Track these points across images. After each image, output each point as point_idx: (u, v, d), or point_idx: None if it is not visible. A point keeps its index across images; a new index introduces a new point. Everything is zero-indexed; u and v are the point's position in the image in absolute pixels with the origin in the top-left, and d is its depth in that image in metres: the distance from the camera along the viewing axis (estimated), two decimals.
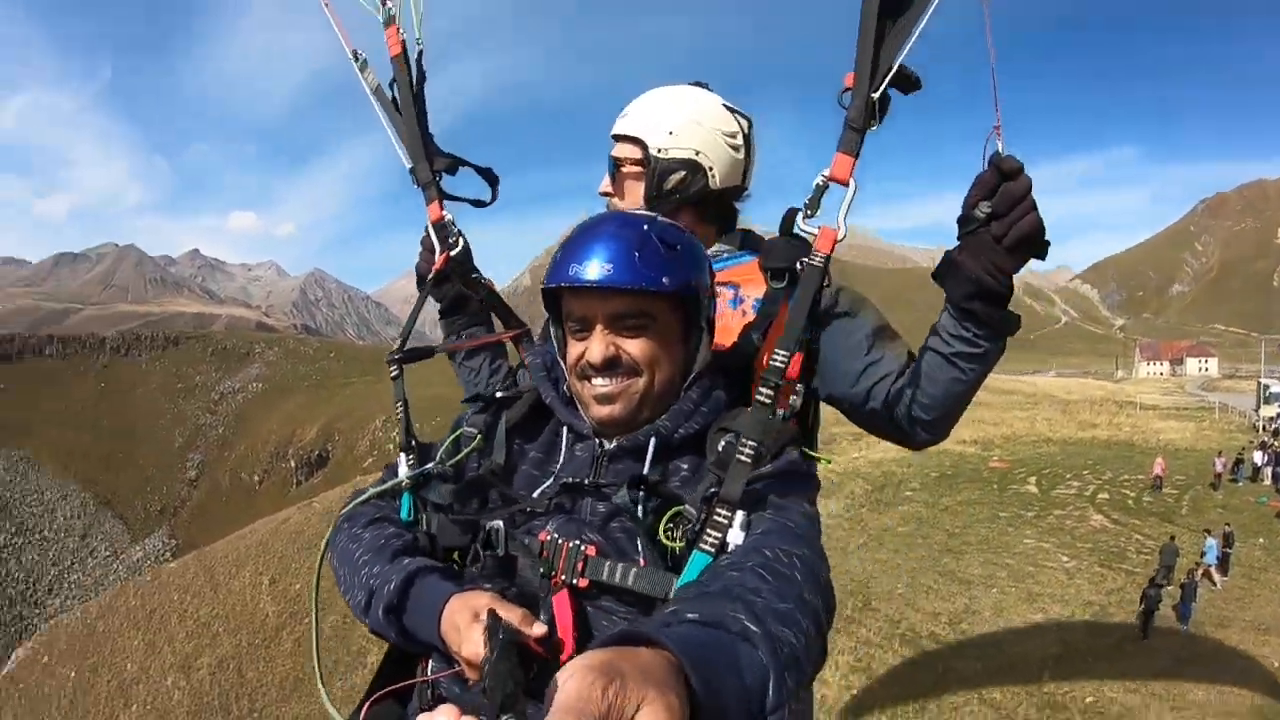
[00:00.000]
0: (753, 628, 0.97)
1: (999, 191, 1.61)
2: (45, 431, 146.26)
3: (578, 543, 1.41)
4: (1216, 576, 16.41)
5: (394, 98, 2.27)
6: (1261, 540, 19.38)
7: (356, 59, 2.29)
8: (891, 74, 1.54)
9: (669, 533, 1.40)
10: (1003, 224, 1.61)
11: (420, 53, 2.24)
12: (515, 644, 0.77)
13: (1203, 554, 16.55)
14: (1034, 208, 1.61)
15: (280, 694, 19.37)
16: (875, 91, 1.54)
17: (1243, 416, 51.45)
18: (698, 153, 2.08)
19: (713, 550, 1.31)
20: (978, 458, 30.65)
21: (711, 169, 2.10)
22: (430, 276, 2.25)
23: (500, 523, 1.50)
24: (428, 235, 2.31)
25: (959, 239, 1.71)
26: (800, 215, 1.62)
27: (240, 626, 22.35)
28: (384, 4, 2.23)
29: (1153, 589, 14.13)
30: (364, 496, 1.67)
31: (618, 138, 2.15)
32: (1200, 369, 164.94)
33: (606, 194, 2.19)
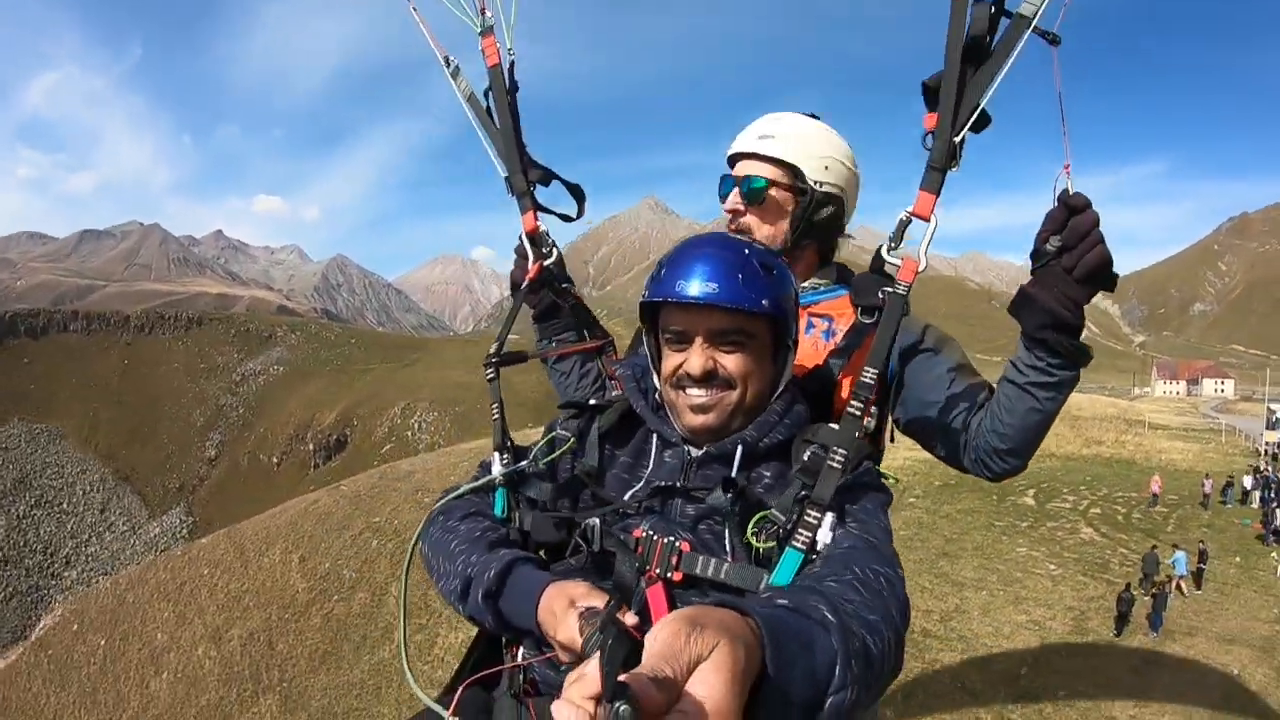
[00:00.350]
0: (830, 617, 1.05)
1: (1068, 226, 1.69)
2: (68, 406, 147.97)
3: (672, 539, 1.49)
4: (1186, 588, 17.33)
5: (488, 107, 2.31)
6: (1238, 559, 20.15)
7: (449, 65, 2.33)
8: (971, 121, 1.64)
9: (756, 534, 1.46)
10: (1072, 256, 1.69)
11: (512, 63, 2.27)
12: (628, 633, 0.81)
13: (1172, 565, 17.46)
14: (1101, 240, 1.69)
15: (310, 665, 19.57)
16: (958, 135, 1.64)
17: (1248, 440, 51.54)
18: (842, 190, 2.20)
19: (804, 548, 1.39)
20: None
21: (847, 208, 2.25)
22: (525, 284, 2.32)
23: (597, 520, 1.58)
24: (522, 244, 2.35)
25: (1032, 273, 1.79)
26: (884, 247, 1.77)
27: (270, 601, 22.58)
28: (482, 14, 2.26)
29: (1127, 594, 15.18)
30: (458, 492, 1.76)
31: (763, 158, 2.16)
32: (1216, 390, 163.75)
33: (736, 210, 2.19)
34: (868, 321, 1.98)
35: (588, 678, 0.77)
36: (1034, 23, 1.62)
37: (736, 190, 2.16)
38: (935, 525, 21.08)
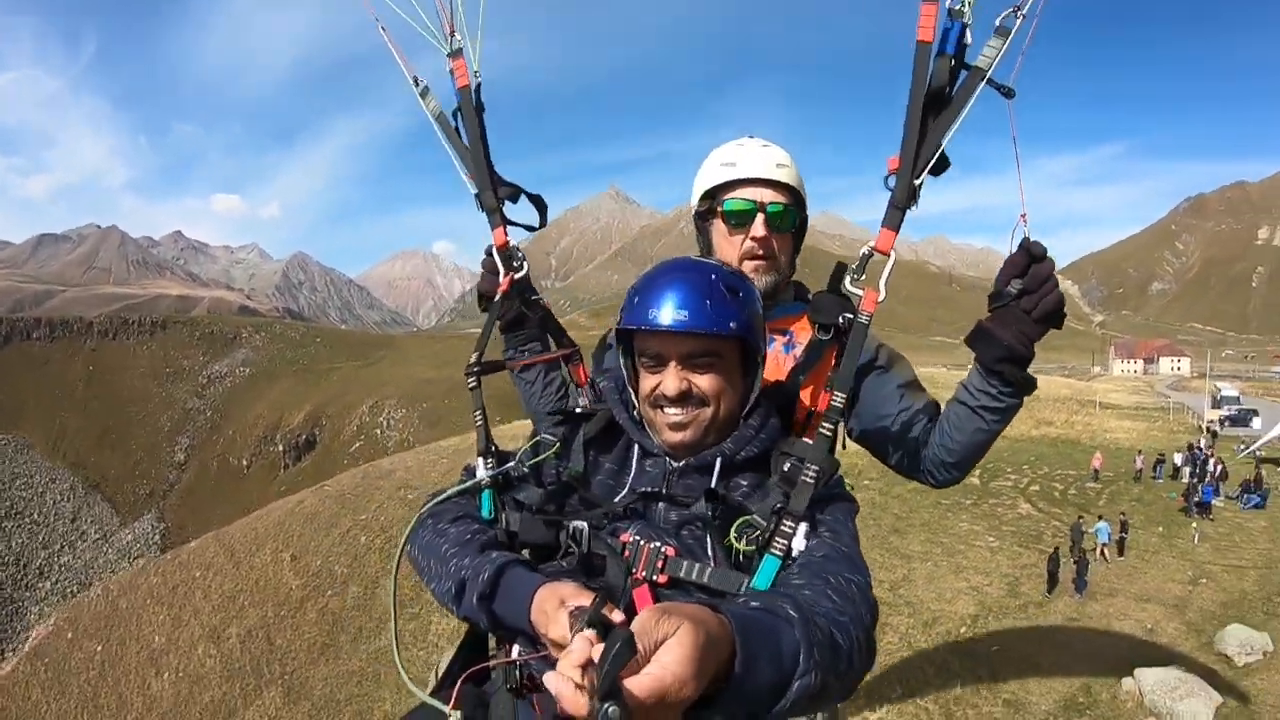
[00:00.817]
0: (794, 614, 1.17)
1: (1030, 272, 1.82)
2: (34, 415, 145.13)
3: (658, 544, 1.57)
4: (1110, 555, 18.89)
5: (456, 126, 2.36)
6: (1160, 529, 21.67)
7: (418, 85, 2.36)
8: (930, 165, 1.73)
9: (738, 537, 1.54)
10: (1032, 299, 1.83)
11: (479, 84, 2.30)
12: (629, 635, 0.86)
13: (1095, 534, 19.02)
14: (1056, 285, 1.83)
15: (309, 658, 20.22)
16: (918, 179, 1.73)
17: (1194, 418, 52.05)
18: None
19: (781, 554, 1.48)
20: None
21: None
22: (497, 297, 2.33)
23: (585, 524, 1.63)
24: (491, 258, 2.38)
25: (990, 310, 1.92)
26: (848, 277, 1.83)
27: (265, 599, 23.12)
28: (451, 36, 2.28)
29: (1055, 557, 17.00)
30: (444, 496, 1.79)
31: (779, 185, 2.23)
32: (1173, 368, 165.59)
33: (762, 238, 2.21)
34: (824, 338, 2.07)
35: (575, 651, 0.94)
36: (988, 75, 1.73)
37: (763, 218, 2.21)
38: (887, 505, 22.17)
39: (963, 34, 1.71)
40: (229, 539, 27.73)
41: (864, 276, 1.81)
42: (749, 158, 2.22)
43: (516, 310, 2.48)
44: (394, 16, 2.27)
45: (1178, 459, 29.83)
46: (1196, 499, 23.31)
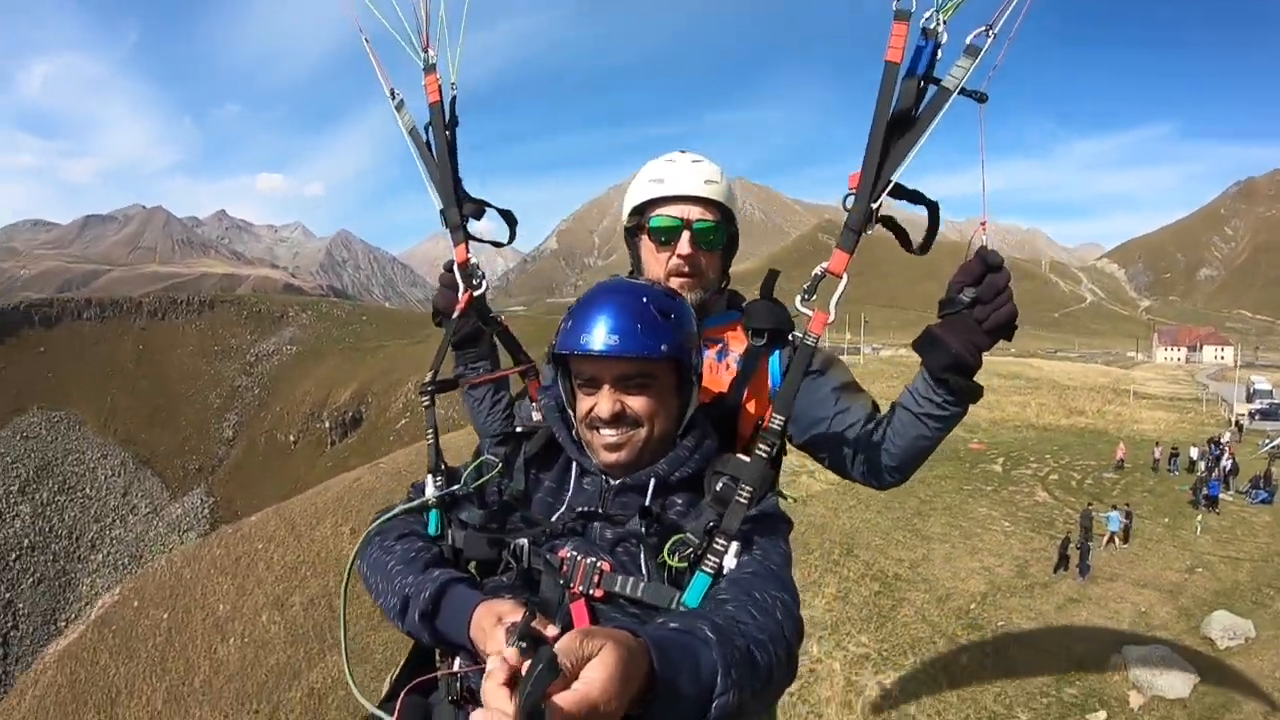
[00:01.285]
0: (711, 635, 1.20)
1: (985, 281, 1.79)
2: (85, 393, 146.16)
3: (594, 560, 1.62)
4: (1118, 542, 20.04)
5: (428, 141, 2.33)
6: (1167, 520, 22.61)
7: (394, 98, 2.33)
8: (889, 188, 1.71)
9: (672, 554, 1.59)
10: (985, 310, 1.80)
11: (454, 98, 2.27)
12: (552, 655, 0.88)
13: (1105, 522, 20.11)
14: (1011, 297, 1.81)
15: (369, 625, 19.26)
16: (875, 202, 1.71)
17: (1228, 410, 51.64)
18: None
19: (712, 572, 1.51)
20: (959, 439, 32.18)
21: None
22: (455, 315, 2.31)
23: (526, 541, 1.70)
24: (450, 274, 2.37)
25: (940, 316, 1.89)
26: (799, 298, 1.79)
27: (327, 570, 23.32)
28: (426, 50, 2.26)
29: (1066, 541, 18.35)
30: (392, 514, 1.84)
31: (708, 202, 2.22)
32: (1216, 357, 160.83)
33: (689, 256, 2.21)
34: (760, 344, 2.13)
35: (496, 670, 0.98)
36: (955, 93, 1.67)
37: (689, 235, 2.19)
38: (912, 489, 22.83)
39: (934, 53, 1.68)
40: (289, 513, 28.16)
41: (814, 298, 1.77)
42: (677, 174, 2.24)
43: (472, 327, 2.47)
44: (376, 30, 2.28)
45: (1194, 453, 30.37)
46: (1204, 493, 24.13)
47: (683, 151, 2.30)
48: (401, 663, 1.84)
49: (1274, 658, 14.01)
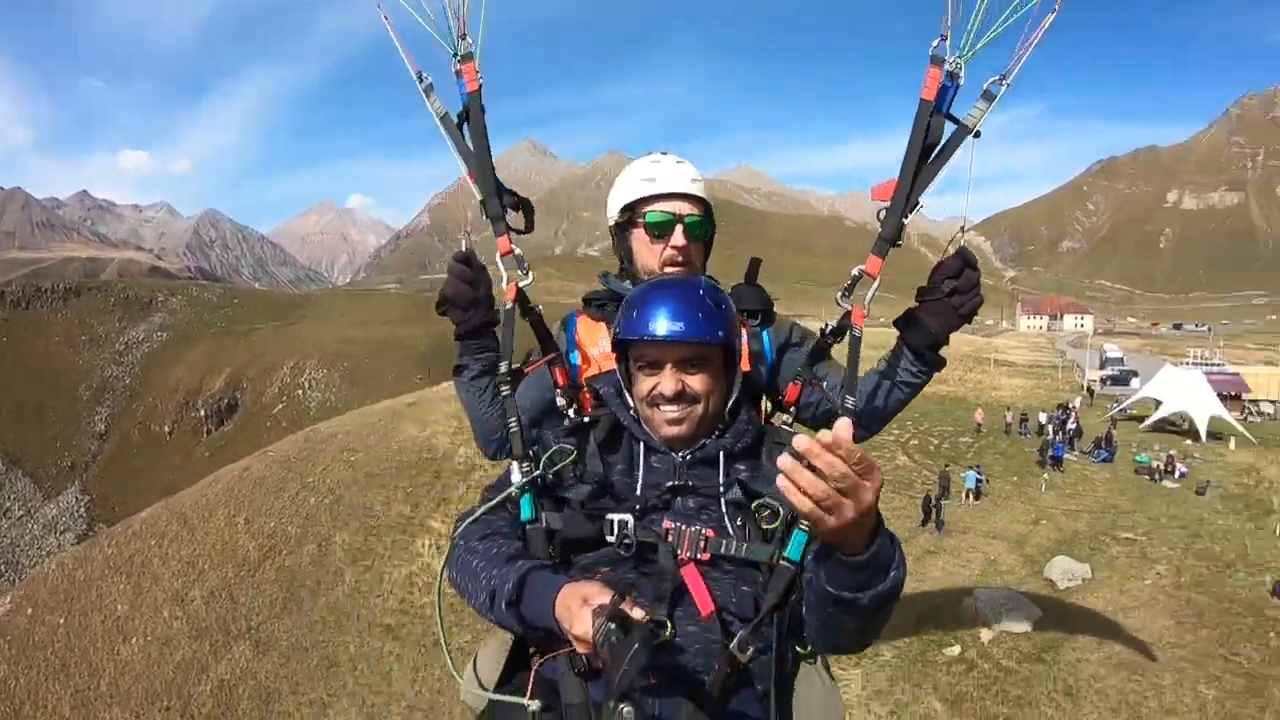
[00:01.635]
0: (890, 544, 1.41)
1: (963, 275, 2.08)
2: None
3: (698, 527, 1.73)
4: (971, 498, 22.18)
5: (460, 130, 2.30)
6: (1015, 478, 24.89)
7: (421, 81, 2.28)
8: (918, 207, 2.01)
9: (759, 516, 1.73)
10: (961, 299, 2.09)
11: (480, 87, 2.26)
12: (650, 639, 0.85)
13: (963, 480, 22.26)
14: (980, 290, 2.13)
15: (272, 612, 21.01)
16: (907, 217, 2.00)
17: (1083, 376, 54.63)
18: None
19: (807, 529, 1.56)
20: None
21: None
22: (508, 305, 2.29)
23: (630, 516, 1.77)
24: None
25: (920, 301, 2.15)
26: (838, 294, 2.07)
27: (224, 561, 23.47)
28: (463, 39, 2.24)
29: (929, 499, 20.32)
30: (474, 516, 1.89)
31: (690, 198, 2.36)
32: (1077, 325, 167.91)
33: (681, 248, 2.33)
34: (756, 324, 2.36)
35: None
36: (974, 131, 1.97)
37: (682, 228, 2.32)
38: None
39: (954, 94, 1.94)
40: (180, 507, 27.63)
41: (852, 295, 2.03)
42: (667, 173, 2.35)
43: (478, 319, 2.37)
44: (400, 15, 2.23)
45: (1042, 418, 32.85)
46: (1050, 454, 26.51)
47: (664, 153, 2.44)
48: (508, 653, 1.90)
49: (1107, 595, 15.86)
